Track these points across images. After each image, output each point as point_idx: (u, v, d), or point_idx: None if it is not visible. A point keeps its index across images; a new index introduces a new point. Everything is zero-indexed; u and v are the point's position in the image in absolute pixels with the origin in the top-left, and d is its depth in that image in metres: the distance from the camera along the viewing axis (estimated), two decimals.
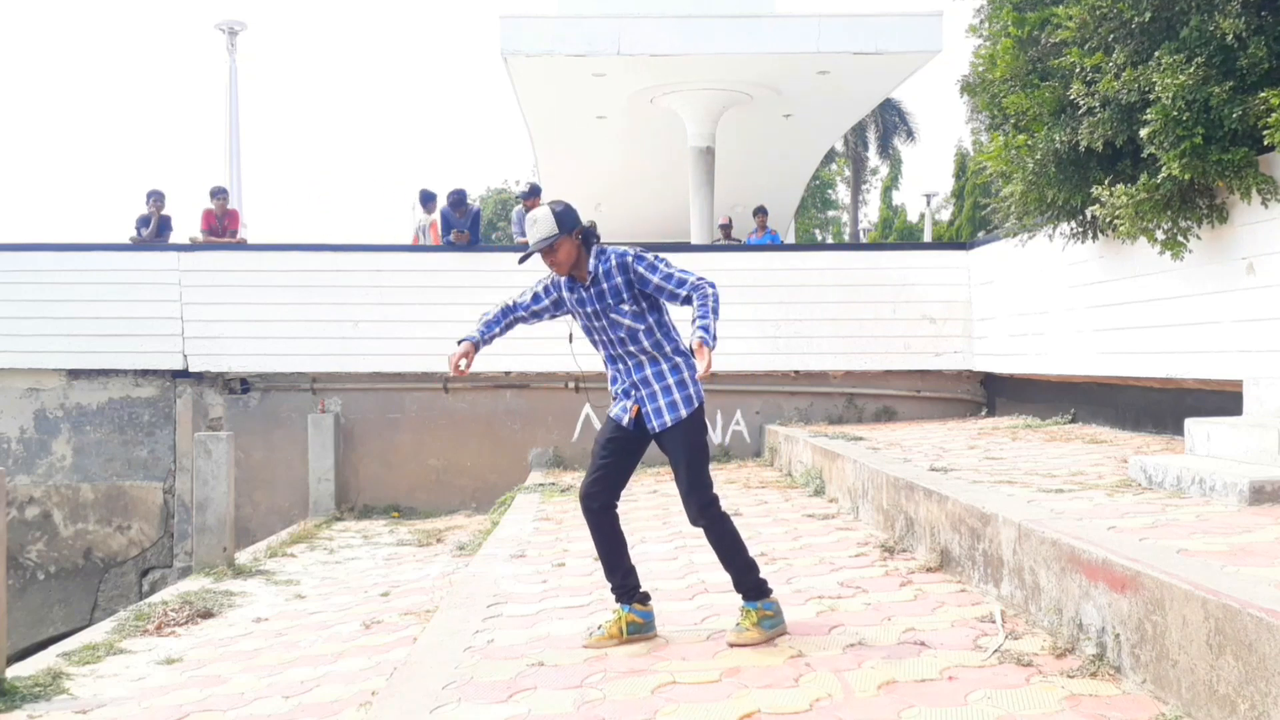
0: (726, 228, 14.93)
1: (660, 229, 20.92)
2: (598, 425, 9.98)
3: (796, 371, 10.70)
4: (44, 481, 10.42)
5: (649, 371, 3.86)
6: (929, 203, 33.87)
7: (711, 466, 3.97)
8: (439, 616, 4.56)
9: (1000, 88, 7.42)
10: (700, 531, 3.86)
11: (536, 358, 10.26)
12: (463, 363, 3.91)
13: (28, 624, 9.79)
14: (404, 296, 10.56)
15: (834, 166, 40.05)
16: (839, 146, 35.15)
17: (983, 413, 10.62)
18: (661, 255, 3.88)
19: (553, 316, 4.05)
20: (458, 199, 11.06)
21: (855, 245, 27.49)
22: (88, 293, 10.44)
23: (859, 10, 13.12)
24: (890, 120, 35.26)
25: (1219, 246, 6.41)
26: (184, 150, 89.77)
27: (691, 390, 3.87)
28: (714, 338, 3.61)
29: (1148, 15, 6.07)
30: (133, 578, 10.40)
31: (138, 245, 11.09)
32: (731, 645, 3.69)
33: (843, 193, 42.14)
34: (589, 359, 4.13)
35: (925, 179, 70.49)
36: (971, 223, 27.71)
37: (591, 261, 3.82)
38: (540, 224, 3.75)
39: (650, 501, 7.55)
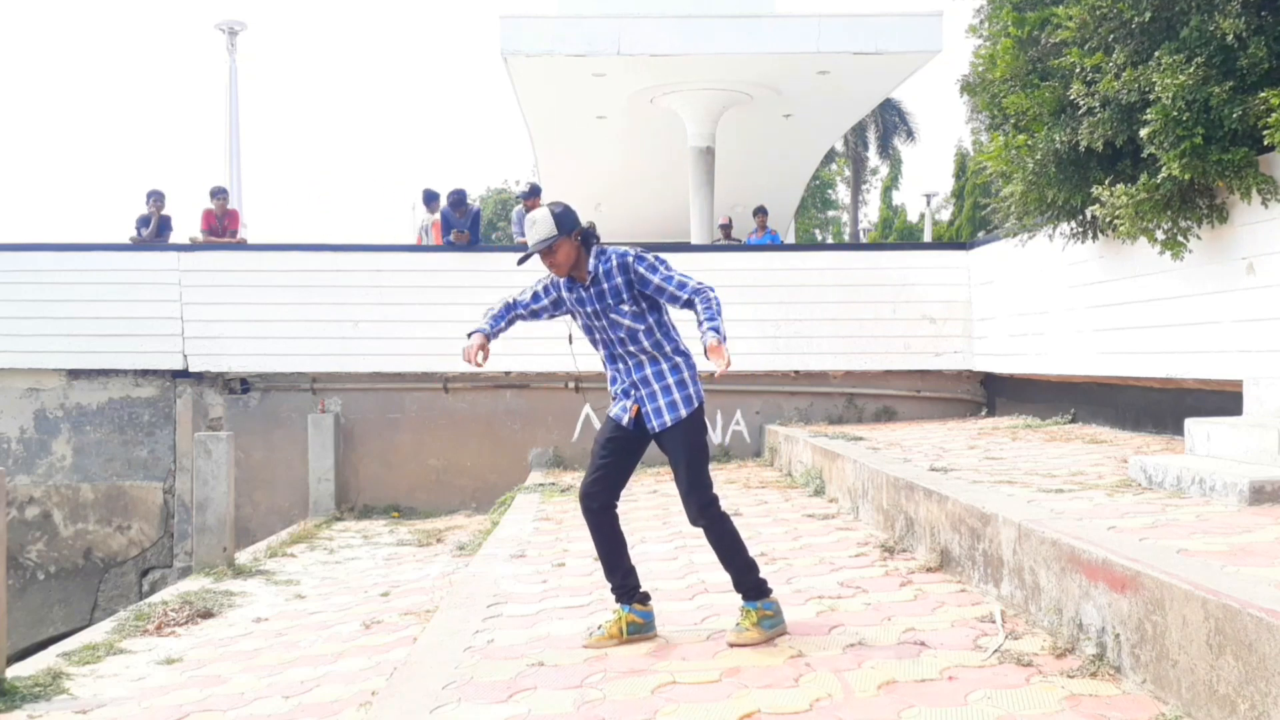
0: (726, 228, 14.93)
1: (660, 229, 20.92)
2: (598, 425, 9.98)
3: (796, 371, 10.70)
4: (44, 481, 10.42)
5: (649, 371, 3.86)
6: (929, 203, 33.88)
7: (711, 466, 3.97)
8: (439, 616, 4.56)
9: (1000, 88, 7.42)
10: (700, 531, 3.86)
11: (536, 358, 10.27)
12: (480, 356, 3.88)
13: (28, 624, 9.79)
14: (404, 296, 10.56)
15: (834, 166, 40.05)
16: (839, 146, 35.15)
17: (983, 413, 10.62)
18: (661, 257, 3.88)
19: (551, 316, 4.05)
20: (458, 199, 11.06)
21: (855, 245, 27.49)
22: (88, 293, 10.44)
23: (859, 10, 13.12)
24: (890, 120, 35.26)
25: (1219, 246, 6.41)
26: (184, 150, 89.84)
27: (691, 390, 3.87)
28: (724, 338, 3.62)
29: (1148, 15, 6.07)
30: (133, 578, 10.40)
31: (138, 245, 11.09)
32: (731, 645, 3.69)
33: (843, 193, 42.15)
34: (589, 359, 4.14)
35: (925, 179, 70.54)
36: (971, 223, 27.71)
37: (591, 261, 3.82)
38: (539, 225, 3.75)
39: (650, 501, 7.55)
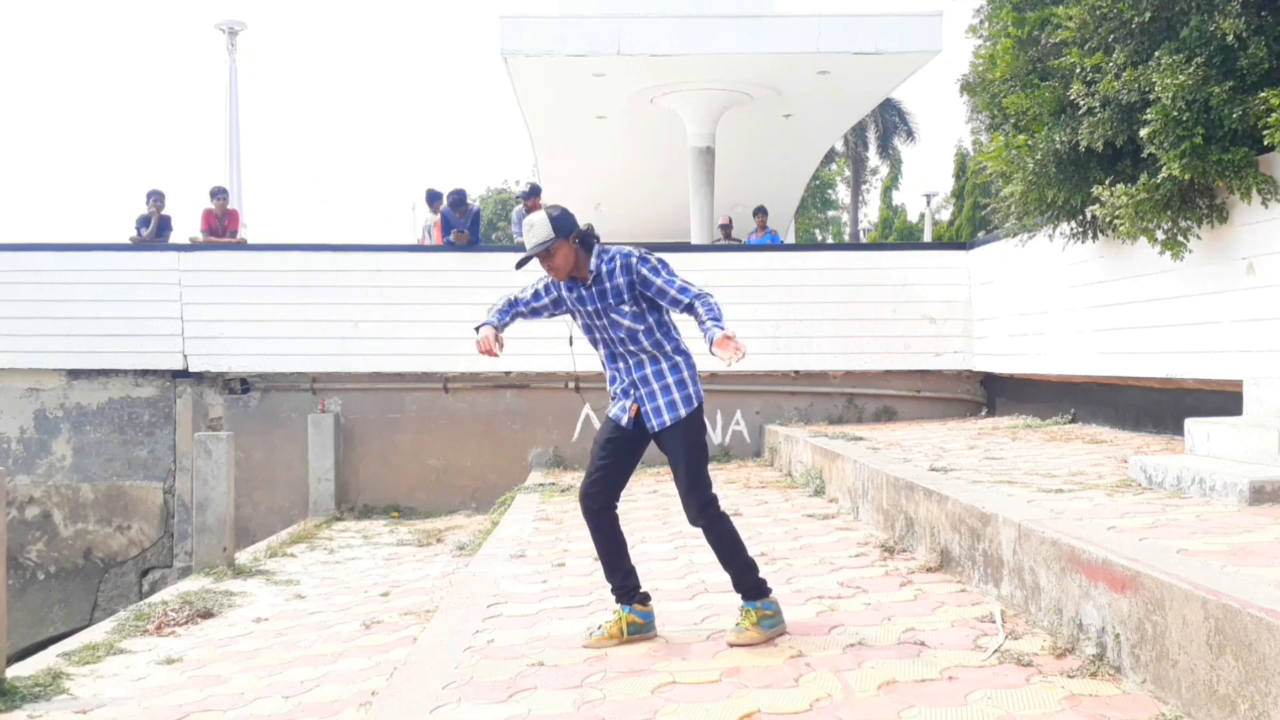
0: (726, 228, 14.93)
1: (660, 229, 20.92)
2: (598, 425, 9.99)
3: (796, 371, 10.70)
4: (44, 481, 10.42)
5: (649, 370, 3.86)
6: (929, 203, 33.88)
7: (711, 466, 3.97)
8: (439, 616, 4.56)
9: (1000, 88, 7.42)
10: (700, 531, 3.86)
11: (536, 358, 10.24)
12: (496, 347, 3.88)
13: (28, 624, 9.79)
14: (404, 296, 10.56)
15: (834, 166, 40.04)
16: (839, 146, 35.15)
17: (983, 413, 10.62)
18: (664, 260, 3.89)
19: (551, 315, 4.06)
20: (458, 199, 11.06)
21: (855, 245, 27.49)
22: (88, 293, 10.44)
23: (859, 10, 13.12)
24: (890, 120, 35.27)
25: (1219, 246, 6.41)
26: (184, 150, 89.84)
27: (691, 390, 3.87)
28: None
29: (1148, 15, 6.07)
30: (133, 578, 10.40)
31: (138, 245, 11.09)
32: (731, 645, 3.69)
33: (843, 193, 42.15)
34: (589, 360, 4.14)
35: (925, 179, 70.52)
36: (971, 223, 27.71)
37: (594, 261, 3.82)
38: (536, 229, 3.75)
39: (650, 501, 7.55)
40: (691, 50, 13.00)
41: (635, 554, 4.18)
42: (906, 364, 10.65)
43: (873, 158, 38.41)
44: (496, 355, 3.91)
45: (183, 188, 67.96)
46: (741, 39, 12.98)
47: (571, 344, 4.05)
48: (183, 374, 10.55)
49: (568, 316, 4.01)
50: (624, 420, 3.87)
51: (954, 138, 68.88)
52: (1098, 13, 6.28)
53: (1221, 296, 6.45)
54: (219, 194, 11.77)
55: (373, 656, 4.48)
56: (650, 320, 3.85)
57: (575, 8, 13.42)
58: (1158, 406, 7.52)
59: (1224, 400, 6.35)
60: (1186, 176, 5.85)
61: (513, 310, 4.03)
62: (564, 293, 3.92)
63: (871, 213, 41.41)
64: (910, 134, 36.18)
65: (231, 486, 7.81)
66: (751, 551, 3.92)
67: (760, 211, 14.29)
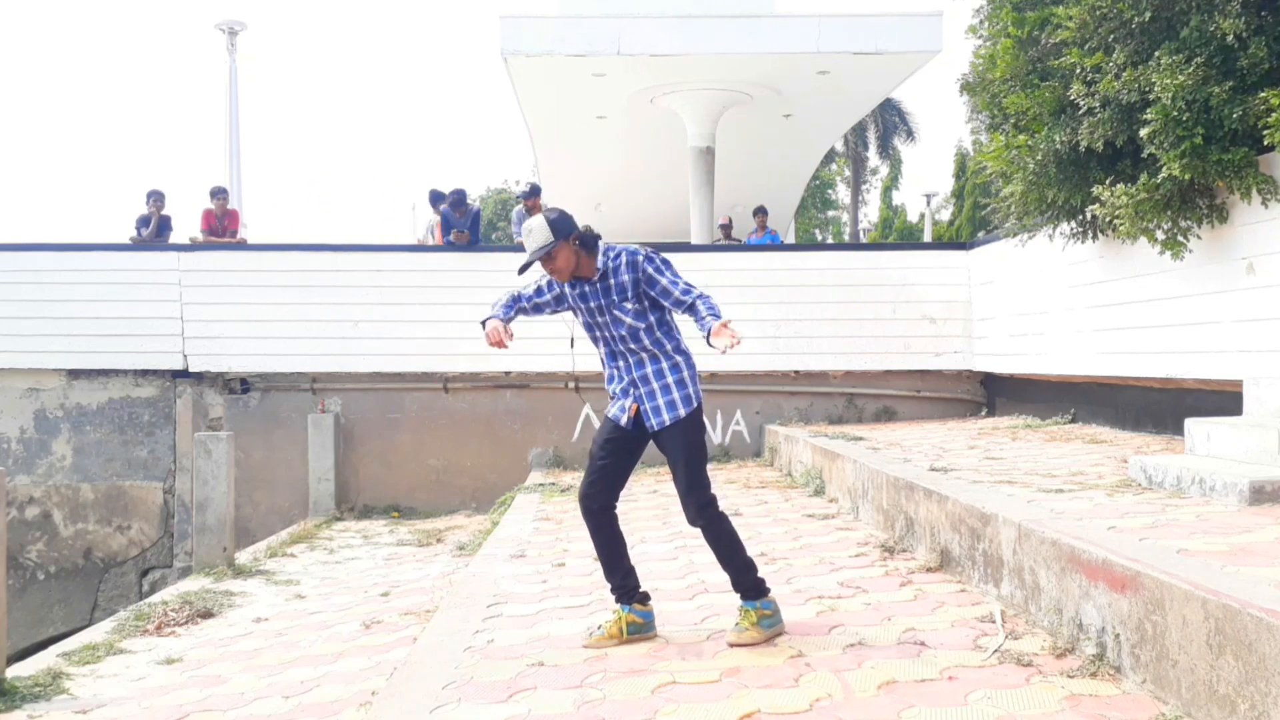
0: (726, 228, 14.93)
1: (660, 229, 20.93)
2: (597, 425, 9.99)
3: (796, 371, 10.70)
4: (44, 481, 10.42)
5: (649, 370, 3.87)
6: (929, 203, 33.88)
7: (711, 466, 3.98)
8: (439, 616, 4.56)
9: (1000, 88, 7.42)
10: (699, 531, 3.86)
11: (536, 358, 10.24)
12: (506, 338, 3.90)
13: (28, 624, 9.79)
14: (404, 296, 10.56)
15: (834, 166, 40.05)
16: (839, 146, 35.15)
17: (983, 413, 10.62)
18: (669, 260, 3.90)
19: (554, 311, 4.06)
20: (458, 199, 11.06)
21: (855, 245, 27.50)
22: (88, 293, 10.44)
23: (859, 10, 13.12)
24: (890, 120, 35.27)
25: (1219, 246, 6.41)
26: (184, 150, 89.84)
27: (690, 390, 3.87)
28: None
29: (1148, 15, 6.07)
30: (133, 578, 10.40)
31: (138, 245, 11.09)
32: (731, 645, 3.69)
33: (843, 193, 42.15)
34: (589, 360, 4.14)
35: (925, 179, 70.52)
36: (971, 223, 27.70)
37: (600, 259, 3.82)
38: (536, 233, 3.76)
39: (650, 501, 7.55)
40: (691, 50, 13.00)
41: (635, 554, 4.19)
42: (906, 364, 10.65)
43: (873, 158, 38.42)
44: (506, 346, 3.92)
45: (183, 188, 68.01)
46: (741, 39, 12.98)
47: (573, 345, 4.05)
48: (183, 374, 10.55)
49: (569, 315, 4.02)
50: (623, 420, 3.87)
51: (954, 138, 68.93)
52: (1098, 13, 6.28)
53: (1221, 296, 6.45)
54: (219, 194, 11.77)
55: (373, 656, 4.48)
56: (651, 319, 3.86)
57: (575, 8, 13.42)
58: (1158, 406, 7.52)
59: (1224, 400, 6.35)
60: (1186, 176, 5.86)
61: (516, 306, 4.04)
62: (566, 290, 3.93)
63: (871, 213, 41.42)
64: (910, 134, 36.18)
65: (231, 486, 7.81)
66: (751, 551, 3.92)
67: (760, 211, 14.29)
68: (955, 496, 4.58)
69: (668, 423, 3.82)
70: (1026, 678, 3.18)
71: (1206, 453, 5.11)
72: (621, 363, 3.92)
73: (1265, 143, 5.41)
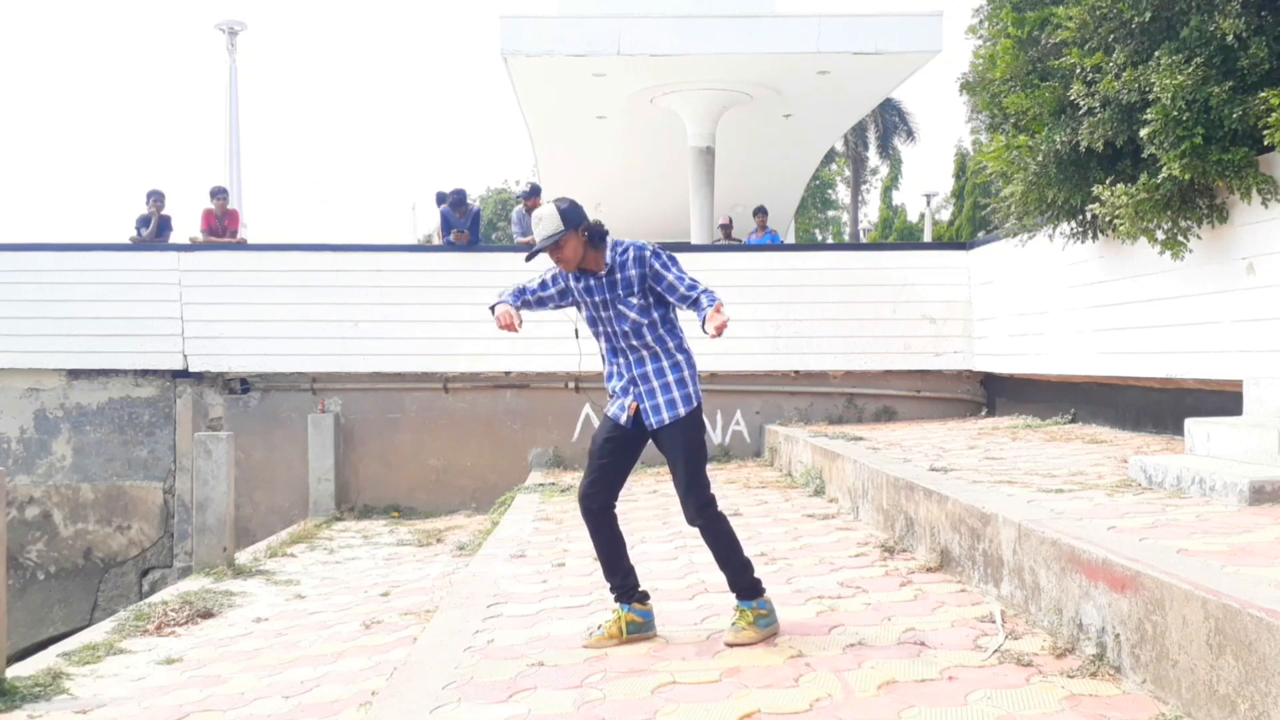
0: (726, 228, 14.93)
1: (660, 229, 20.93)
2: (597, 425, 9.99)
3: (796, 371, 10.70)
4: (44, 481, 10.42)
5: (649, 368, 3.87)
6: (929, 203, 33.88)
7: (711, 466, 3.98)
8: (439, 616, 4.56)
9: (1000, 88, 7.42)
10: (698, 530, 3.86)
11: (536, 358, 10.28)
12: (516, 321, 3.90)
13: (28, 624, 9.79)
14: (404, 296, 10.57)
15: (834, 166, 40.05)
16: (839, 146, 35.16)
17: (983, 413, 10.62)
18: (674, 256, 3.91)
19: (557, 306, 4.06)
20: (458, 199, 11.06)
21: (855, 245, 27.49)
22: (88, 293, 10.44)
23: (859, 10, 13.12)
24: (890, 120, 35.27)
25: (1219, 246, 6.41)
26: (184, 150, 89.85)
27: (691, 389, 3.88)
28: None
29: (1148, 15, 6.07)
30: (133, 578, 10.40)
31: (138, 245, 11.09)
32: (729, 645, 3.70)
33: (843, 193, 42.16)
34: (591, 359, 4.14)
35: (925, 179, 70.52)
36: (971, 223, 27.71)
37: (608, 253, 3.83)
38: (545, 221, 3.76)
39: (650, 501, 7.55)
40: (691, 50, 13.00)
41: (635, 554, 4.19)
42: (906, 364, 10.65)
43: (873, 158, 38.42)
44: (516, 329, 3.93)
45: (183, 188, 68.04)
46: (741, 39, 12.99)
47: (578, 336, 4.04)
48: (183, 374, 10.55)
49: (573, 309, 4.02)
50: (623, 419, 3.87)
51: (954, 138, 68.94)
52: (1098, 13, 6.28)
53: (1221, 296, 6.45)
54: (219, 194, 11.77)
55: (373, 656, 4.48)
56: (655, 315, 3.86)
57: (575, 8, 13.42)
58: (1158, 406, 7.52)
59: (1224, 400, 6.35)
60: (1186, 176, 5.86)
61: (521, 298, 4.04)
62: (571, 283, 3.93)
63: (871, 213, 41.43)
64: (910, 134, 36.19)
65: (231, 486, 7.81)
66: (751, 551, 3.92)
67: (760, 211, 14.29)
68: (955, 496, 4.58)
69: (667, 421, 3.82)
70: (1026, 678, 3.18)
71: (1206, 453, 5.11)
72: (622, 359, 3.92)
73: (1265, 143, 5.41)
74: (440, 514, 10.13)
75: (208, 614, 6.17)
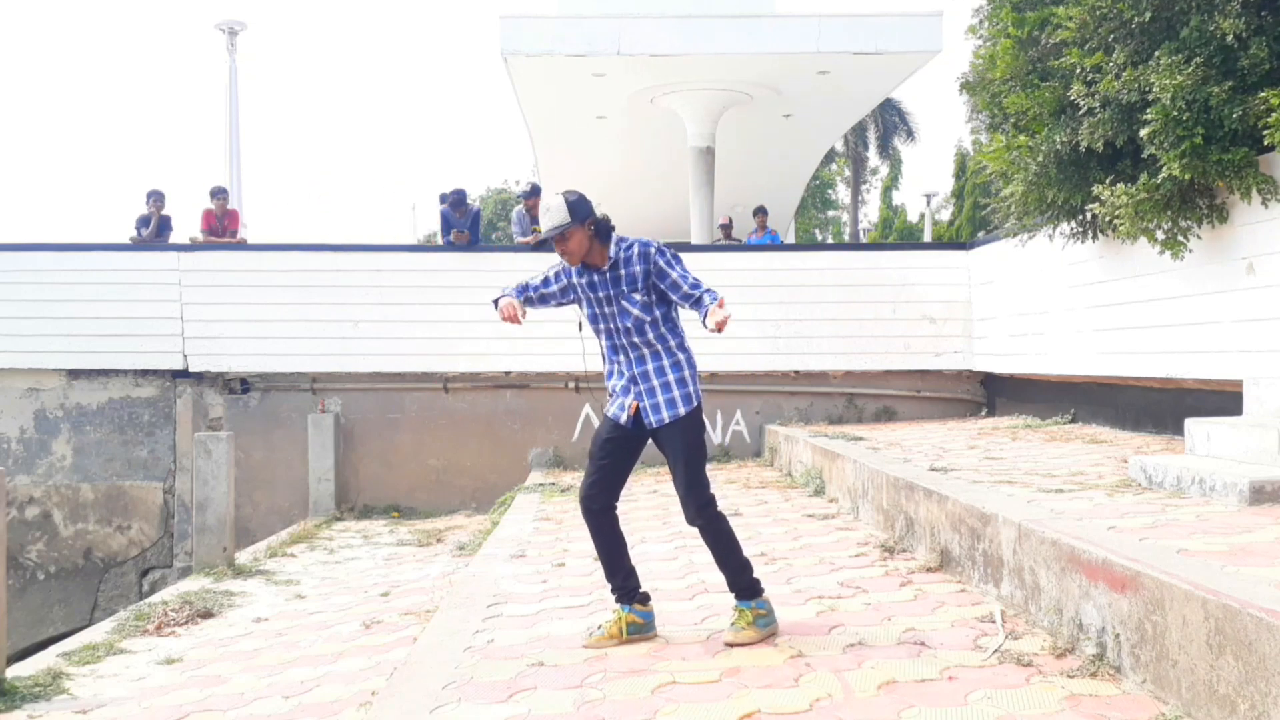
0: (726, 228, 14.93)
1: (660, 229, 20.93)
2: (598, 425, 9.99)
3: (796, 371, 10.70)
4: (44, 481, 10.42)
5: (650, 366, 3.87)
6: (929, 203, 33.88)
7: (711, 466, 3.98)
8: (439, 616, 4.56)
9: (1000, 88, 7.42)
10: (698, 530, 3.86)
11: (536, 358, 10.29)
12: (520, 314, 3.91)
13: (28, 624, 9.79)
14: (404, 296, 10.57)
15: (834, 166, 40.06)
16: (839, 146, 35.16)
17: (983, 413, 10.62)
18: (679, 255, 3.91)
19: (559, 303, 4.06)
20: (458, 199, 11.05)
21: (855, 245, 27.50)
22: (88, 293, 10.44)
23: (859, 10, 13.13)
24: (890, 120, 35.28)
25: (1219, 246, 6.41)
26: (184, 150, 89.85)
27: (691, 389, 3.88)
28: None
29: (1148, 15, 6.07)
30: (133, 578, 10.40)
31: (138, 245, 11.09)
32: (728, 645, 3.70)
33: (843, 193, 42.16)
34: (595, 359, 4.14)
35: (925, 179, 70.55)
36: (971, 223, 27.71)
37: (612, 248, 3.83)
38: (553, 212, 3.77)
39: (650, 501, 7.55)
40: (691, 50, 13.00)
41: (635, 554, 4.19)
42: (906, 364, 10.65)
43: (873, 158, 38.43)
44: (520, 323, 3.94)
45: (183, 188, 68.03)
46: (741, 39, 12.99)
47: (581, 329, 4.03)
48: (183, 374, 10.55)
49: (575, 303, 4.01)
50: (623, 418, 3.87)
51: (954, 138, 68.96)
52: (1098, 13, 6.28)
53: (1221, 296, 6.45)
54: (219, 194, 11.77)
55: (373, 656, 4.48)
56: (657, 313, 3.86)
57: (575, 8, 13.42)
58: (1158, 406, 7.52)
59: (1224, 400, 6.35)
60: (1186, 176, 5.85)
61: (523, 294, 4.03)
62: (575, 279, 3.93)
63: (871, 213, 41.43)
64: (910, 134, 36.19)
65: (231, 486, 7.81)
66: (751, 551, 3.92)
67: (760, 211, 14.29)
68: (955, 496, 4.58)
69: (666, 420, 3.82)
70: (1026, 678, 3.18)
71: (1206, 453, 5.11)
72: (623, 357, 3.92)
73: (1265, 143, 5.41)
74: (440, 514, 10.13)
75: (208, 614, 6.17)
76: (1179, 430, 6.14)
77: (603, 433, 3.94)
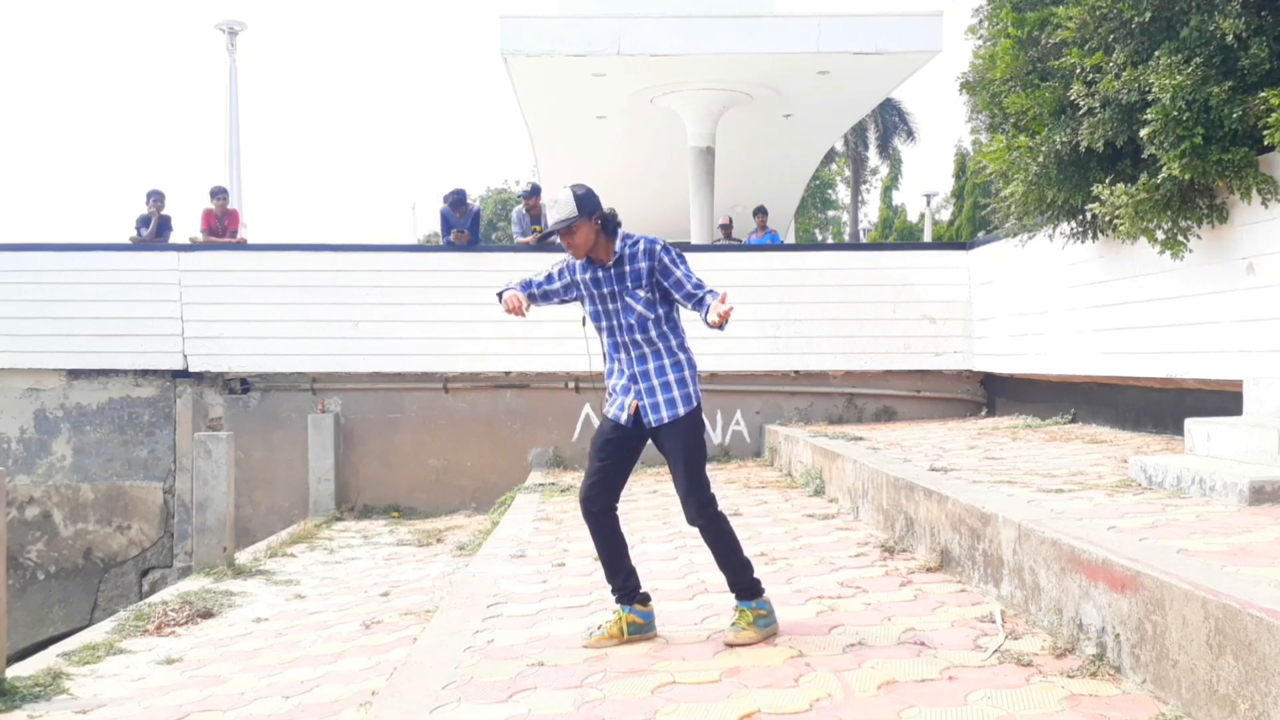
0: (726, 228, 14.93)
1: (660, 229, 20.85)
2: (597, 426, 9.98)
3: (796, 371, 10.70)
4: (44, 481, 10.42)
5: (650, 365, 3.87)
6: (929, 203, 33.89)
7: (711, 466, 3.98)
8: (439, 616, 4.56)
9: (1000, 88, 7.42)
10: (699, 531, 3.86)
11: (536, 358, 10.28)
12: (524, 307, 3.91)
13: (28, 624, 9.79)
14: (404, 296, 10.56)
15: (834, 166, 40.06)
16: (839, 146, 35.17)
17: (983, 413, 10.62)
18: (682, 254, 3.91)
19: (562, 300, 4.05)
20: (458, 199, 11.05)
21: (855, 245, 27.50)
22: (88, 293, 10.44)
23: (859, 10, 13.13)
24: (890, 120, 35.28)
25: (1219, 246, 6.41)
26: (184, 150, 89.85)
27: (691, 389, 3.88)
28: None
29: (1148, 15, 6.07)
30: (133, 578, 10.40)
31: (138, 245, 11.09)
32: (728, 645, 3.70)
33: (843, 193, 42.16)
34: (596, 358, 4.13)
35: (925, 179, 70.60)
36: (971, 223, 27.72)
37: (618, 244, 3.83)
38: (560, 205, 3.77)
39: (650, 501, 7.55)
40: (691, 50, 13.00)
41: (635, 554, 4.19)
42: (906, 364, 10.65)
43: (873, 158, 38.44)
44: (524, 315, 3.93)
45: (183, 188, 68.06)
46: (741, 39, 12.99)
47: (585, 324, 4.02)
48: (183, 374, 10.55)
49: (577, 301, 4.01)
50: (623, 418, 3.87)
51: (954, 138, 68.97)
52: (1098, 13, 6.28)
53: (1221, 296, 6.45)
54: (219, 194, 11.77)
55: (373, 656, 4.48)
56: (660, 311, 3.86)
57: (575, 8, 13.42)
58: (1158, 406, 7.52)
59: (1224, 400, 6.35)
60: (1186, 176, 5.85)
61: (527, 290, 4.03)
62: (578, 275, 3.93)
63: (871, 213, 41.43)
64: (910, 134, 36.19)
65: (231, 486, 7.81)
66: (751, 551, 3.92)
67: (760, 211, 14.29)
68: (955, 496, 4.58)
69: (666, 420, 3.82)
70: (1026, 678, 3.18)
71: (1206, 453, 5.10)
72: (624, 355, 3.91)
73: (1265, 143, 5.41)
74: (440, 514, 10.13)
75: (208, 614, 6.17)
76: (1179, 430, 6.14)
77: (602, 434, 3.94)
